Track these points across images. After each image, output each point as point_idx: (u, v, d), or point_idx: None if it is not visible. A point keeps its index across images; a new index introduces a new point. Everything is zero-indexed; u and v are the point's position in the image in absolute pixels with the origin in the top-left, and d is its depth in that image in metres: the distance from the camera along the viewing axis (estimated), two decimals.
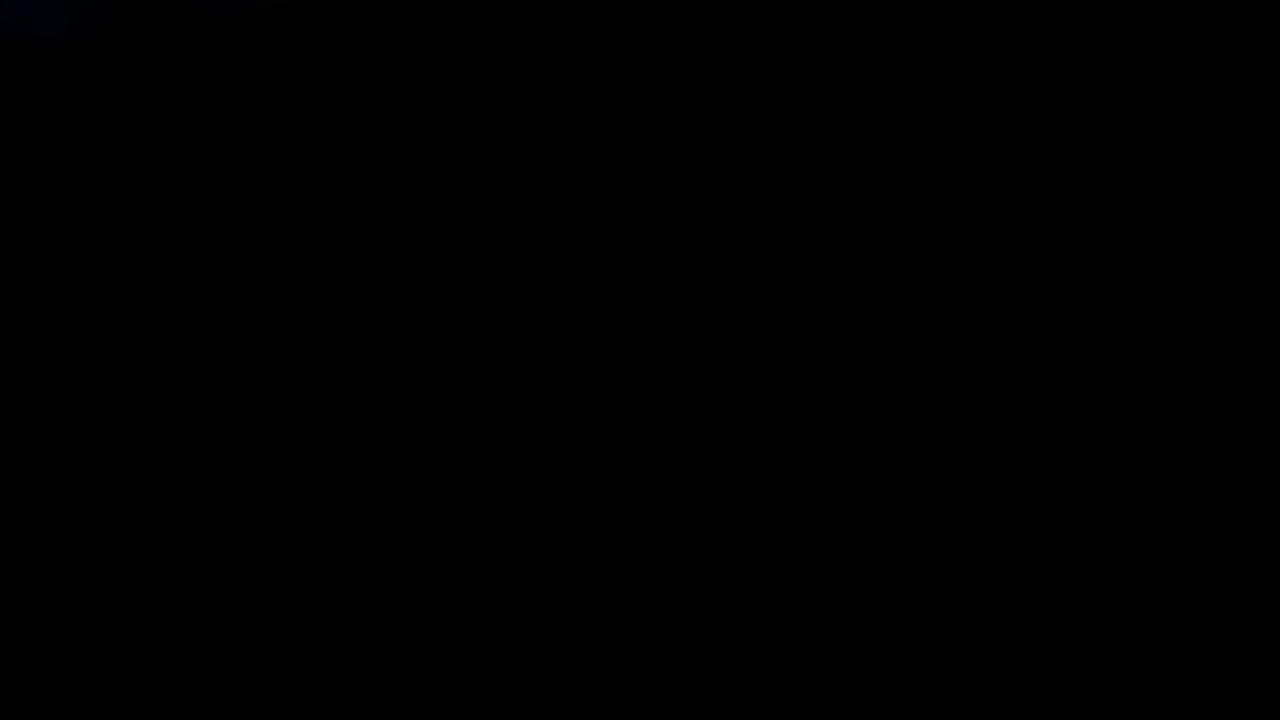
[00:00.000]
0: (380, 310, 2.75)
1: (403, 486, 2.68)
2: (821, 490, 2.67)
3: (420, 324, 2.78)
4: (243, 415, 2.68)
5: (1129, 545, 2.60)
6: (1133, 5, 3.02)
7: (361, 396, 2.74)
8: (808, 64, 3.04)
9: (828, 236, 2.92)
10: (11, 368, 2.65)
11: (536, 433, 2.74)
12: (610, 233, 2.88)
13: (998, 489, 2.67)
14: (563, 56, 2.77)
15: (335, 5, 2.88)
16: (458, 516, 2.65)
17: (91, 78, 2.84)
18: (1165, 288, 2.84)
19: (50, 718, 2.41)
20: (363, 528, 2.64)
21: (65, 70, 2.84)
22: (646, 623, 2.54)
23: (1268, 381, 2.72)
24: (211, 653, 2.50)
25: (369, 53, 2.87)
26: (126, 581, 2.56)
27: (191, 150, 2.81)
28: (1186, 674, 2.45)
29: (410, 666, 2.50)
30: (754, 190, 2.96)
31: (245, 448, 2.68)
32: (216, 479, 2.67)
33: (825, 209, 2.96)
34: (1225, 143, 2.94)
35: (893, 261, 2.90)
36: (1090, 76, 3.03)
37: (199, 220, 2.78)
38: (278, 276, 2.75)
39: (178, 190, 2.81)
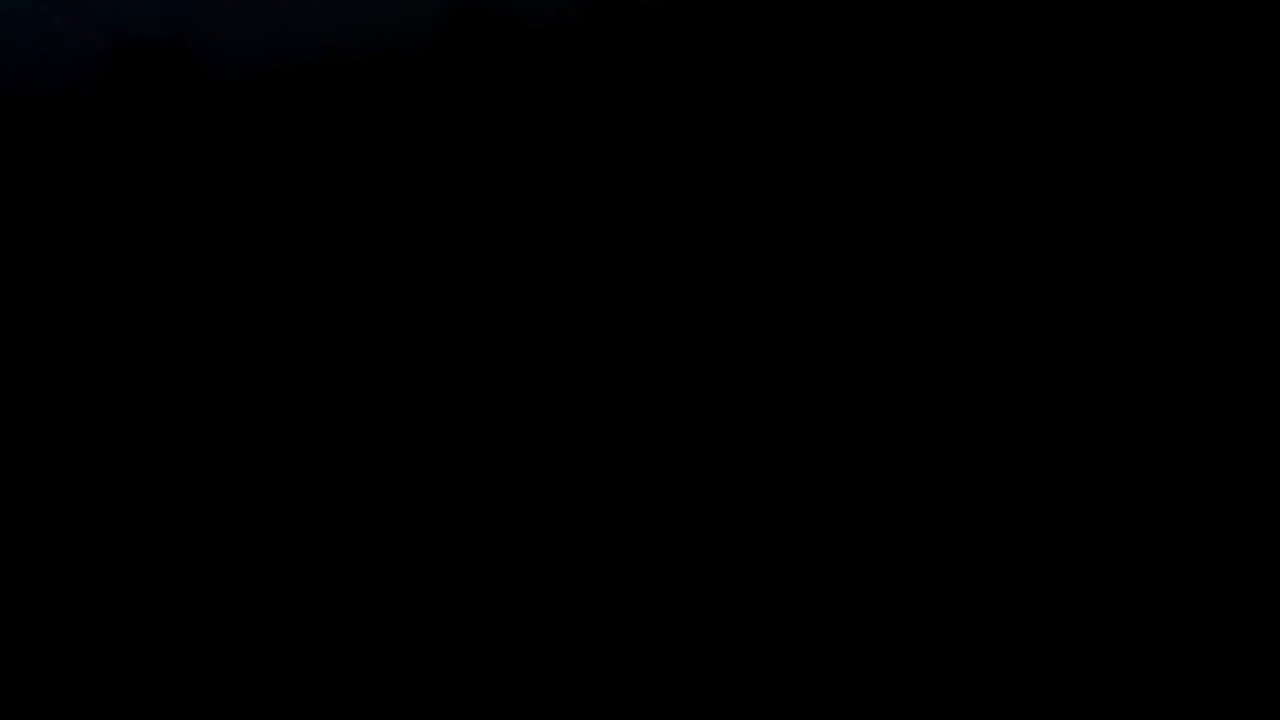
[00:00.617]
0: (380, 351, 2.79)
1: (403, 489, 2.69)
2: (821, 491, 2.67)
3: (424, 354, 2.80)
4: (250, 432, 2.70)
5: (1128, 545, 2.60)
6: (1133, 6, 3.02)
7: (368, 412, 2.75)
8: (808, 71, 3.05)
9: (829, 241, 2.92)
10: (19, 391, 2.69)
11: (536, 438, 2.74)
12: (611, 237, 2.89)
13: (997, 489, 2.66)
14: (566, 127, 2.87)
15: (334, 72, 2.94)
16: (457, 517, 2.65)
17: (84, 136, 2.88)
18: (1165, 288, 2.84)
19: (50, 718, 2.42)
20: (363, 529, 2.64)
21: (58, 129, 2.87)
22: (646, 623, 2.54)
23: (1267, 381, 2.72)
24: (211, 653, 2.50)
25: (365, 119, 2.95)
26: (127, 581, 2.57)
27: (177, 210, 2.87)
28: (1186, 674, 2.44)
29: (410, 666, 2.50)
30: (755, 195, 2.97)
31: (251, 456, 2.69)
32: (220, 482, 2.68)
33: (826, 214, 2.96)
34: (1225, 143, 2.94)
35: (893, 265, 2.90)
36: (1091, 79, 3.03)
37: (188, 269, 2.83)
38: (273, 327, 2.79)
39: (160, 246, 2.85)
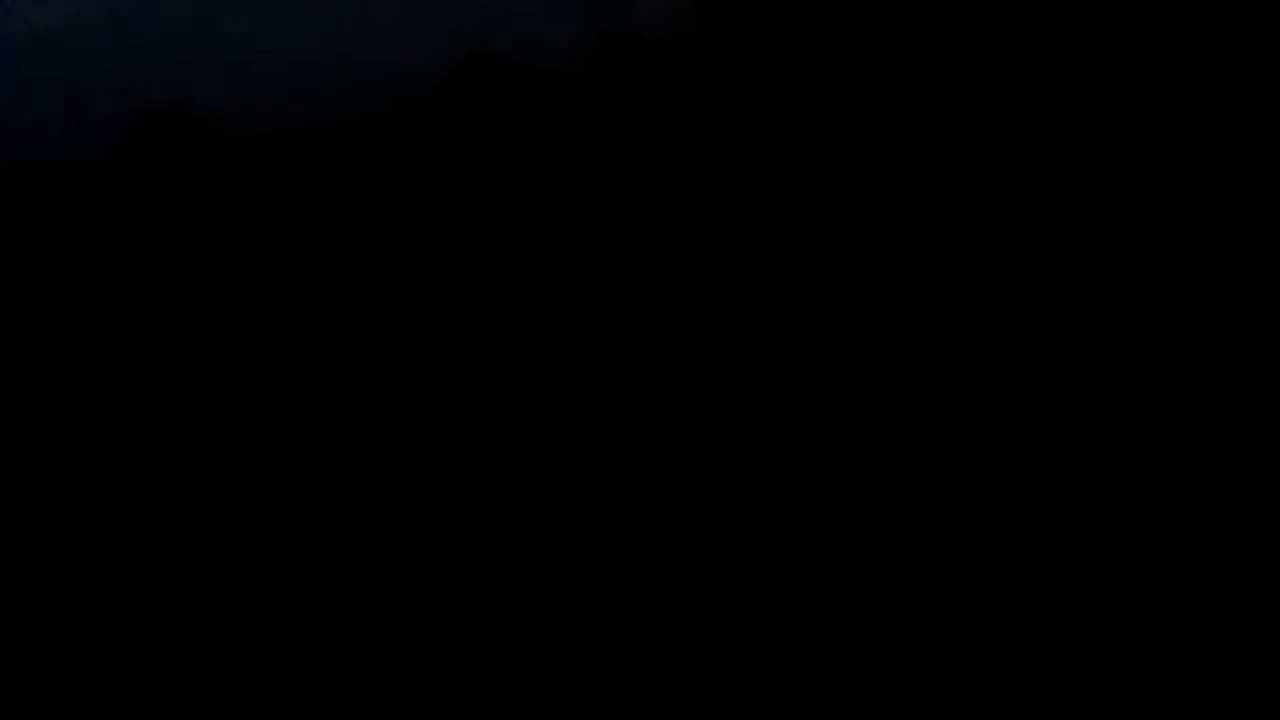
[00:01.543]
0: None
1: (402, 488, 2.69)
2: (821, 491, 2.68)
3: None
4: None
5: (1128, 545, 2.60)
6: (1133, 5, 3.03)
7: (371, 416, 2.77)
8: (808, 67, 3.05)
9: (828, 240, 2.93)
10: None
11: (537, 436, 2.75)
12: (620, 276, 2.90)
13: (997, 490, 2.67)
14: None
15: (349, 129, 2.96)
16: (458, 517, 2.66)
17: (101, 202, 2.90)
18: (1165, 288, 2.84)
19: (50, 718, 2.42)
20: (363, 530, 2.65)
21: (72, 196, 2.89)
22: (646, 623, 2.54)
23: (1267, 382, 2.73)
24: (211, 653, 2.51)
25: (383, 175, 2.97)
26: (127, 582, 2.57)
27: (203, 271, 2.89)
28: (1186, 674, 2.45)
29: (410, 667, 2.51)
30: (761, 234, 2.98)
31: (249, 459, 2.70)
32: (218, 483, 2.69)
33: (826, 212, 2.96)
34: (1225, 143, 2.94)
35: (892, 264, 2.91)
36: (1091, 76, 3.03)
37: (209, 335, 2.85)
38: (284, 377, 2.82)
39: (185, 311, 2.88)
